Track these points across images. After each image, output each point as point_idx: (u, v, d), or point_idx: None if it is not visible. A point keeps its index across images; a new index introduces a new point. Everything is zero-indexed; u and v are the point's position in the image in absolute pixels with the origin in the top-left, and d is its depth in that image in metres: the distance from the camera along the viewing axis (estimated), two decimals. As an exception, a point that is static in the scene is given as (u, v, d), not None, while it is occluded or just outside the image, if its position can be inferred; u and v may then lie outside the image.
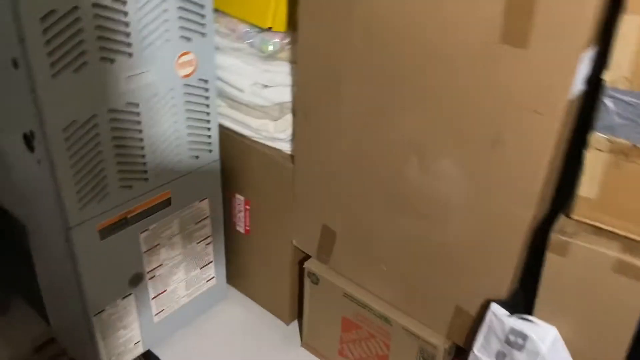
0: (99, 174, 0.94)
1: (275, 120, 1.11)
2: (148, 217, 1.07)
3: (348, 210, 1.02)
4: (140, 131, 0.97)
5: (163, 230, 1.12)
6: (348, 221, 1.04)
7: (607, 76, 0.63)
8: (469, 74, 0.76)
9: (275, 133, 1.11)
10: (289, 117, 1.09)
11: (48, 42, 0.79)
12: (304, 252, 1.18)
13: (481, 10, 0.70)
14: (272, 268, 1.28)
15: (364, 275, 1.06)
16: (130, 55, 0.90)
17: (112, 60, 0.88)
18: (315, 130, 1.00)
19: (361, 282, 1.07)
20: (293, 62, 1.04)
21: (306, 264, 1.15)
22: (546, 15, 0.65)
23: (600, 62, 0.66)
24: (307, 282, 1.16)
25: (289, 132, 1.10)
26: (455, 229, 0.87)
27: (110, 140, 0.93)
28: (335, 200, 1.04)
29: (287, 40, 1.03)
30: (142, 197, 1.04)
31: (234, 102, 1.14)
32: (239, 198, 1.26)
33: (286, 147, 1.12)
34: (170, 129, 1.02)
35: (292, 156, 1.11)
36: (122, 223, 1.03)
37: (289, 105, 1.09)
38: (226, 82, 1.12)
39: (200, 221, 1.20)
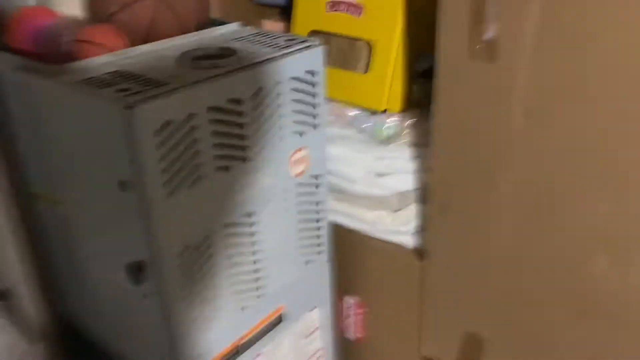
0: (213, 301, 0.80)
1: (395, 211, 0.96)
2: (260, 340, 0.91)
3: (503, 314, 0.85)
4: (254, 243, 0.83)
5: (275, 352, 0.96)
6: (504, 328, 0.86)
7: None
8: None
9: (394, 226, 0.96)
10: (412, 208, 0.95)
11: (162, 157, 0.67)
12: (436, 362, 1.00)
13: None
14: (394, 380, 1.10)
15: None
16: (244, 160, 0.77)
17: (226, 169, 0.75)
18: (457, 223, 0.85)
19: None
20: (416, 145, 0.91)
21: (445, 378, 0.97)
22: None
23: None
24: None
25: (412, 224, 0.95)
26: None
27: (224, 259, 0.79)
28: (485, 302, 0.87)
29: (407, 122, 0.91)
30: (255, 317, 0.89)
31: (343, 195, 1.00)
32: (348, 301, 1.10)
33: (408, 241, 0.97)
34: (282, 235, 0.88)
35: (418, 251, 0.96)
36: (234, 353, 0.87)
37: (412, 194, 0.94)
38: (334, 174, 0.98)
39: (310, 334, 1.03)
